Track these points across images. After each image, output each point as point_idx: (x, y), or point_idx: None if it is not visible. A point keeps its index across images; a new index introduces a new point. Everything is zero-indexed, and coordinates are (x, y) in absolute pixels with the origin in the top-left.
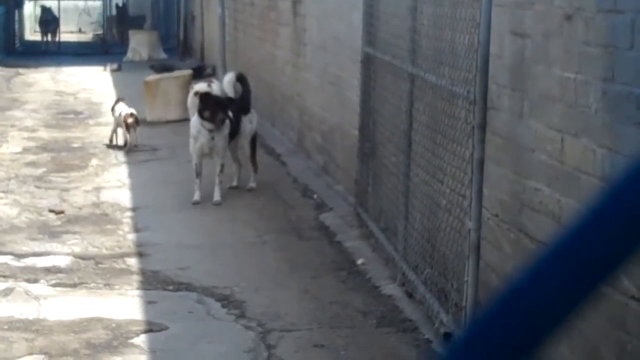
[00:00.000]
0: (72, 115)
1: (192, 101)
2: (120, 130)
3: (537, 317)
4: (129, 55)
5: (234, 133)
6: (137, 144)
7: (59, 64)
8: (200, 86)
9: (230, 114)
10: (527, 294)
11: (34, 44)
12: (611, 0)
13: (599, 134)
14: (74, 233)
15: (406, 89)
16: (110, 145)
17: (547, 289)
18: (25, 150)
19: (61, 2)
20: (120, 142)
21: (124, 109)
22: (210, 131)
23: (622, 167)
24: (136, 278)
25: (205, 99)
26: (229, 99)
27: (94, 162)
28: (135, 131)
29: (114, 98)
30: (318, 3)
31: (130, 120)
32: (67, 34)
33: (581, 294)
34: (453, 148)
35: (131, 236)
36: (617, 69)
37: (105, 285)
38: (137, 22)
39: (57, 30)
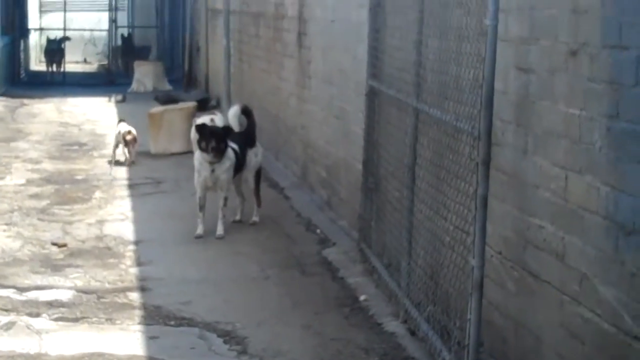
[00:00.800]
0: (76, 147)
1: (195, 135)
2: (120, 148)
3: None
4: (134, 86)
5: (240, 167)
6: (134, 160)
7: (64, 94)
8: (203, 120)
9: (234, 146)
10: None
11: (39, 74)
12: (616, 36)
13: (603, 171)
14: (77, 266)
15: (411, 123)
16: (115, 162)
17: None
18: (29, 182)
19: (66, 32)
20: (121, 158)
21: (124, 127)
22: (211, 163)
23: (626, 205)
24: (138, 313)
25: (200, 129)
26: (226, 129)
27: (98, 194)
28: (134, 148)
29: (118, 130)
30: (323, 35)
31: (128, 137)
32: (73, 64)
33: None
34: (457, 184)
35: (133, 270)
36: (622, 106)
37: (107, 319)
38: (143, 53)
39: (63, 60)
